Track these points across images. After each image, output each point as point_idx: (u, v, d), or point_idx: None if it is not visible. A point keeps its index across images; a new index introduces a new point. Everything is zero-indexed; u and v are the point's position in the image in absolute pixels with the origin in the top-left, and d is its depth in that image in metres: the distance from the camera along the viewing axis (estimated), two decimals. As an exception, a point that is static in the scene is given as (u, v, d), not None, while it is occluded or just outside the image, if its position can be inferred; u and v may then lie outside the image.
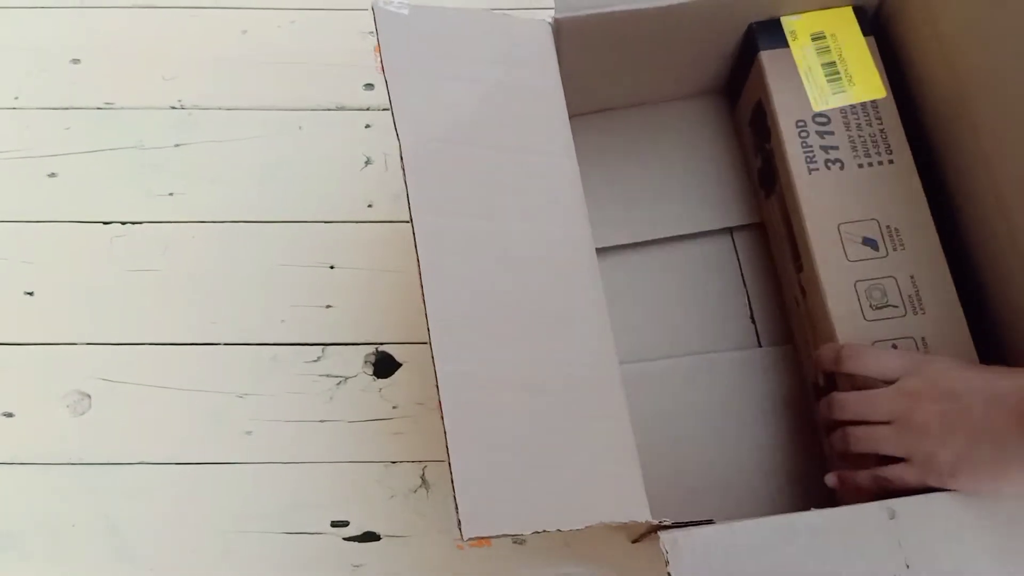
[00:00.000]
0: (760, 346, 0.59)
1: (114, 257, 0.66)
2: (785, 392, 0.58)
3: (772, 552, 0.40)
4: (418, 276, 0.43)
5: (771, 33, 0.56)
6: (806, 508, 0.41)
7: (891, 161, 0.53)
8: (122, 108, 0.71)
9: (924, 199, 0.52)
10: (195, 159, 0.70)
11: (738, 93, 0.62)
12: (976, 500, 0.41)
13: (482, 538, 0.42)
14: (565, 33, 0.54)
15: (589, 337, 0.46)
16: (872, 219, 0.51)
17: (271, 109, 0.71)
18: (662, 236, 0.62)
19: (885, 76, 0.55)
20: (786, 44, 0.56)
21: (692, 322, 0.60)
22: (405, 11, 0.49)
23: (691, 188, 0.63)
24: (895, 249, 0.51)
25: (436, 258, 0.44)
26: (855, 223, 0.51)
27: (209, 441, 0.61)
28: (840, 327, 0.49)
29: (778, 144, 0.55)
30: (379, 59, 0.47)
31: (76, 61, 0.72)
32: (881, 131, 0.53)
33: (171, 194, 0.69)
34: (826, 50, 0.55)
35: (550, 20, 0.53)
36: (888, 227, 0.51)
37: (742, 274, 0.61)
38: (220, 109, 0.71)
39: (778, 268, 0.60)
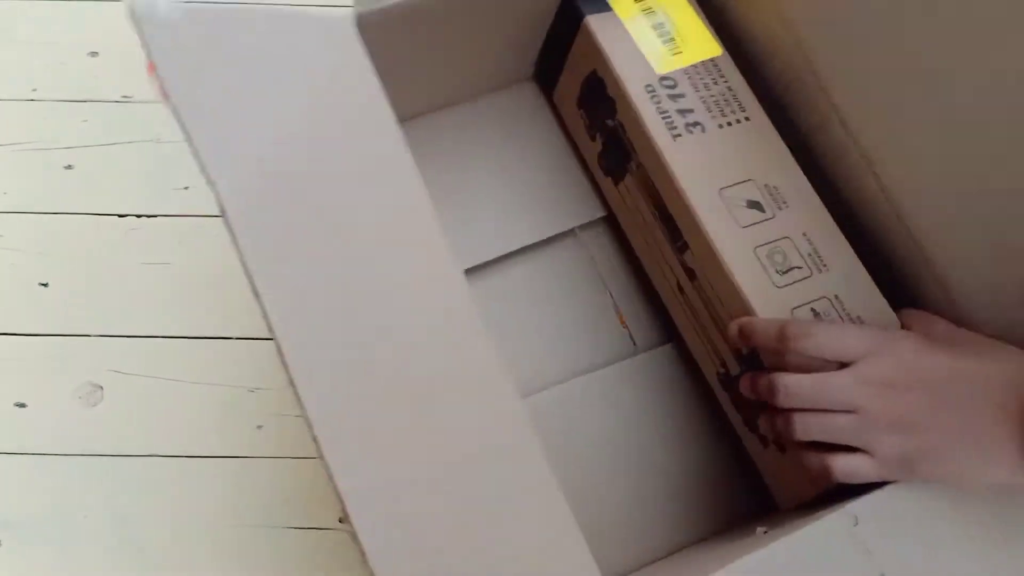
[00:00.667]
0: (636, 351, 0.54)
1: (129, 250, 0.67)
2: (678, 393, 0.53)
3: None
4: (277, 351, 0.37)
5: None
6: (745, 512, 0.37)
7: (747, 119, 0.49)
8: (139, 102, 0.72)
9: (789, 153, 0.49)
10: (211, 153, 0.70)
11: (555, 77, 0.56)
12: (940, 491, 0.38)
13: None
14: (370, 31, 0.47)
15: (490, 399, 0.39)
16: (749, 180, 0.47)
17: (287, 105, 0.71)
18: (503, 253, 0.55)
19: (715, 35, 0.51)
20: (609, 8, 0.51)
21: (561, 340, 0.55)
22: (177, 15, 0.40)
23: (525, 192, 0.57)
24: (780, 208, 0.47)
25: (297, 333, 0.37)
26: (734, 186, 0.47)
27: (219, 435, 0.61)
28: (755, 300, 0.45)
29: (629, 114, 0.50)
30: (157, 81, 0.38)
31: (94, 54, 0.73)
32: (729, 88, 0.50)
33: (187, 188, 0.69)
34: (651, 12, 0.51)
35: (351, 17, 0.46)
36: (766, 186, 0.47)
37: (600, 276, 0.56)
38: (236, 104, 0.71)
39: (645, 259, 0.55)
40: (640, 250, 0.55)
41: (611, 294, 0.56)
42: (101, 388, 0.63)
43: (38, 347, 0.64)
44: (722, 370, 0.49)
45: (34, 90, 0.71)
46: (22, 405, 0.63)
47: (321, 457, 0.35)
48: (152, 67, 0.38)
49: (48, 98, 0.71)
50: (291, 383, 0.36)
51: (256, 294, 0.37)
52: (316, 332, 0.37)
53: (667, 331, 0.55)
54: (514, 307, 0.55)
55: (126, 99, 0.72)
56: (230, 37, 0.41)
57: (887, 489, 0.38)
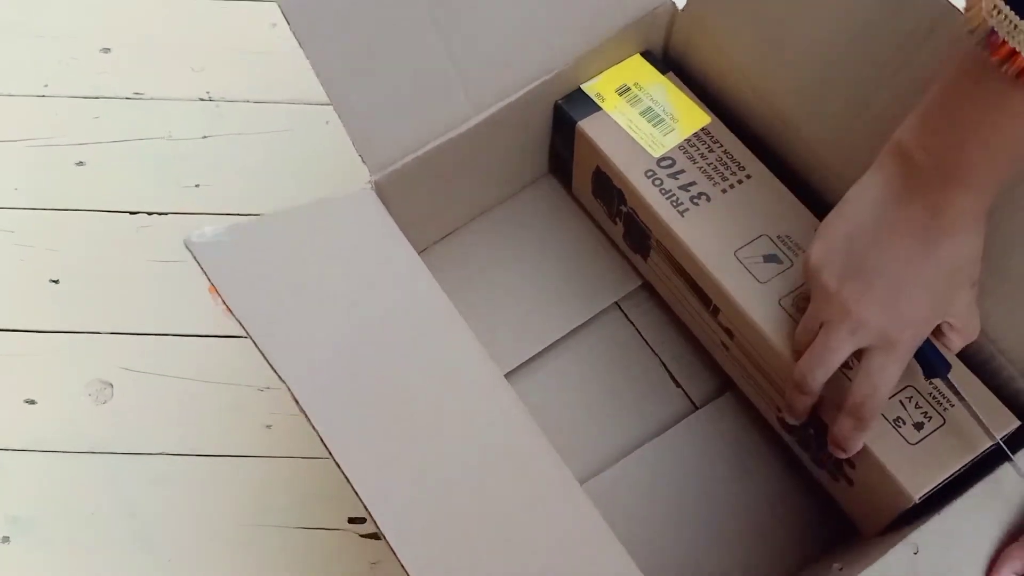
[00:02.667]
0: (696, 408, 0.56)
1: (140, 247, 0.67)
2: (743, 440, 0.55)
3: None
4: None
5: (579, 103, 0.55)
6: (826, 542, 0.39)
7: (748, 176, 0.52)
8: (151, 99, 0.72)
9: (794, 199, 0.51)
10: (222, 151, 0.69)
11: (568, 172, 0.60)
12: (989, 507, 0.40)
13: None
14: (387, 189, 0.51)
15: (532, 464, 0.42)
16: (762, 236, 0.50)
17: (298, 103, 0.71)
18: (555, 339, 0.58)
19: (702, 104, 0.55)
20: (598, 108, 0.55)
21: (623, 411, 0.56)
22: (224, 239, 0.44)
23: (561, 280, 0.60)
24: (796, 254, 0.49)
25: (382, 494, 0.40)
26: (748, 245, 0.50)
27: (229, 433, 0.61)
28: (789, 352, 0.47)
29: (637, 201, 0.53)
30: (220, 301, 0.42)
31: (106, 50, 0.72)
32: (725, 152, 0.53)
33: (198, 185, 0.69)
34: (637, 99, 0.55)
35: (369, 184, 0.50)
36: (778, 237, 0.50)
37: (646, 342, 0.58)
38: (248, 102, 0.71)
39: (687, 322, 0.56)
40: (681, 315, 0.57)
41: (660, 359, 0.58)
42: (111, 386, 0.63)
43: (48, 344, 0.64)
44: (779, 415, 0.51)
45: (45, 86, 0.71)
46: (32, 402, 0.63)
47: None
48: (213, 288, 0.42)
49: (59, 94, 0.71)
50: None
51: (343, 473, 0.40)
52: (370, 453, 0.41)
53: (722, 384, 0.57)
54: (570, 390, 0.57)
55: (137, 95, 0.71)
56: (271, 242, 0.46)
57: (942, 514, 0.41)
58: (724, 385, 0.56)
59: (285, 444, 0.61)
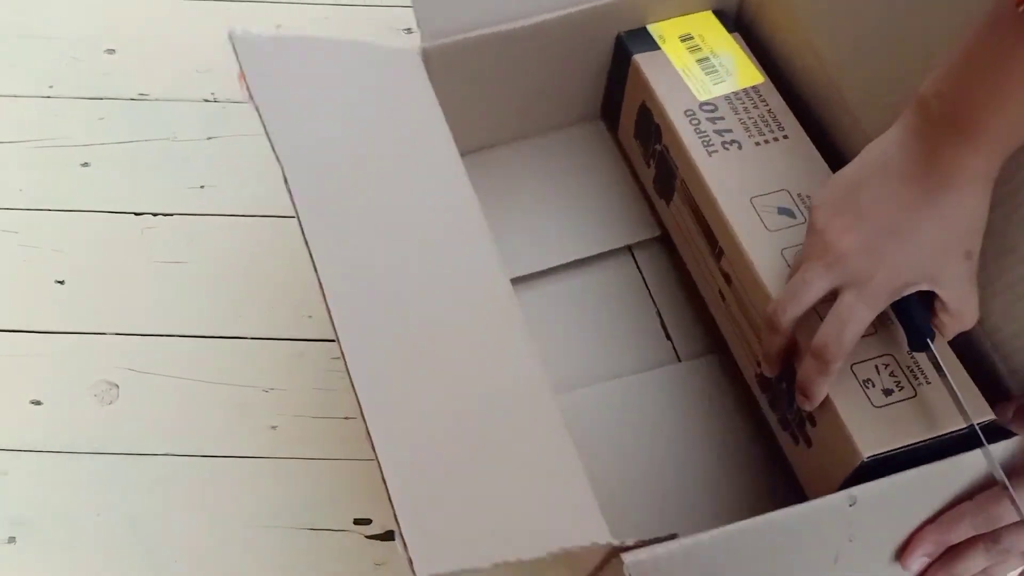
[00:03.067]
0: (679, 361, 0.58)
1: (144, 248, 0.67)
2: (717, 400, 0.56)
3: (740, 557, 0.40)
4: (331, 325, 0.41)
5: (640, 40, 0.57)
6: (778, 506, 0.40)
7: (785, 136, 0.53)
8: (156, 100, 0.72)
9: (826, 167, 0.52)
10: (227, 152, 0.70)
11: (617, 115, 0.61)
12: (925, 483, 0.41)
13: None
14: (435, 63, 0.52)
15: (517, 365, 0.43)
16: (782, 190, 0.51)
17: (303, 104, 0.71)
18: (561, 263, 0.60)
19: (759, 65, 0.56)
20: (657, 47, 0.57)
21: (608, 345, 0.58)
22: (267, 40, 0.46)
23: (585, 212, 0.62)
24: None
25: (348, 310, 0.41)
26: (766, 195, 0.51)
27: (234, 435, 0.61)
28: (777, 293, 0.48)
29: (672, 136, 0.54)
30: (244, 87, 0.44)
31: (111, 51, 0.73)
32: (769, 111, 0.54)
33: (202, 187, 0.69)
34: (697, 48, 0.57)
35: (418, 49, 0.51)
36: (799, 195, 0.51)
37: (649, 291, 0.60)
38: (252, 102, 0.71)
39: (693, 272, 0.58)
40: (689, 264, 0.58)
41: (658, 309, 0.59)
42: (116, 386, 0.63)
43: (54, 345, 0.64)
44: (758, 369, 0.51)
45: (51, 87, 0.71)
46: (38, 403, 0.63)
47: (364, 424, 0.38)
48: (242, 75, 0.44)
49: (65, 95, 0.71)
50: (340, 352, 0.40)
51: (320, 286, 0.41)
52: (365, 311, 0.42)
53: (711, 346, 0.58)
54: (566, 310, 0.59)
55: (143, 96, 0.71)
56: (310, 60, 0.47)
57: (891, 479, 0.41)
58: (713, 347, 0.57)
59: (290, 445, 0.61)
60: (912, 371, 0.44)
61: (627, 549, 0.39)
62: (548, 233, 0.61)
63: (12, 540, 0.59)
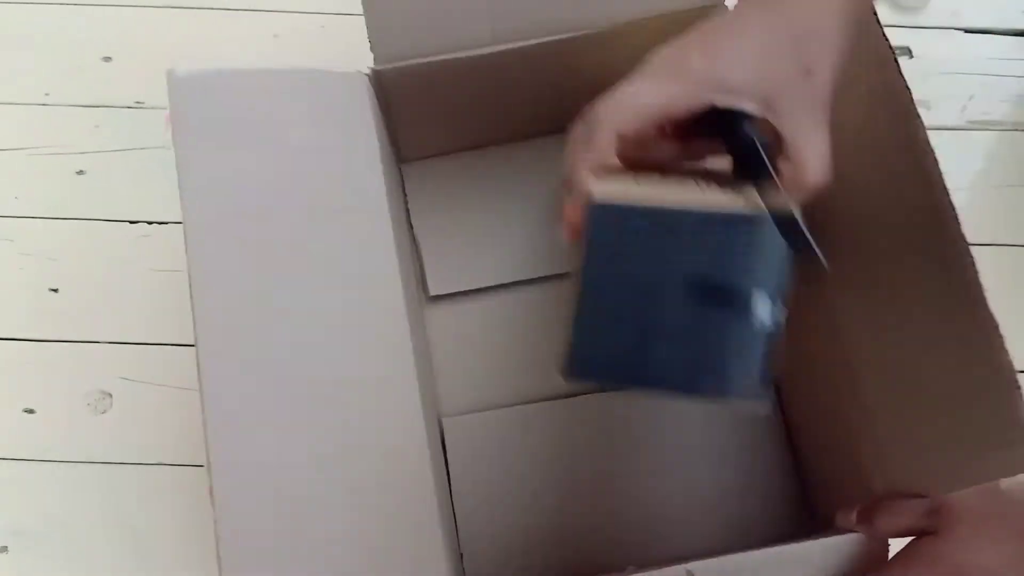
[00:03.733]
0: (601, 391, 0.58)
1: (140, 256, 0.66)
2: (618, 436, 0.58)
3: None
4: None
5: None
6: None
7: None
8: (152, 107, 0.71)
9: None
10: (223, 161, 0.69)
11: None
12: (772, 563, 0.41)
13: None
14: (389, 83, 0.52)
15: (395, 402, 0.44)
16: None
17: (300, 113, 0.71)
18: (497, 283, 0.60)
19: None
20: None
21: (527, 369, 0.59)
22: (207, 76, 0.46)
23: (528, 232, 0.62)
24: None
25: (217, 358, 0.42)
26: None
27: (228, 444, 0.61)
28: None
29: None
30: (169, 130, 0.44)
31: (107, 59, 0.72)
32: None
33: (198, 195, 0.68)
34: None
35: (367, 71, 0.51)
36: None
37: None
38: (249, 111, 0.71)
39: None
40: None
41: None
42: (110, 395, 0.63)
43: (48, 353, 0.64)
44: None
45: (47, 94, 0.71)
46: (31, 411, 0.62)
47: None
48: (168, 116, 0.44)
49: (61, 102, 0.71)
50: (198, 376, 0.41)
51: (192, 299, 0.43)
52: (235, 339, 0.42)
53: None
54: (493, 330, 0.60)
55: (139, 105, 0.71)
56: (244, 94, 0.46)
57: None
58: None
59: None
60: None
61: None
62: (485, 250, 0.61)
63: (5, 549, 0.59)
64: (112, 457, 0.61)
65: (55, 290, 0.66)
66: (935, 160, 0.39)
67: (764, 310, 0.35)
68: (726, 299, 0.35)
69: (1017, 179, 0.68)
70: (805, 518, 0.55)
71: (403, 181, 0.63)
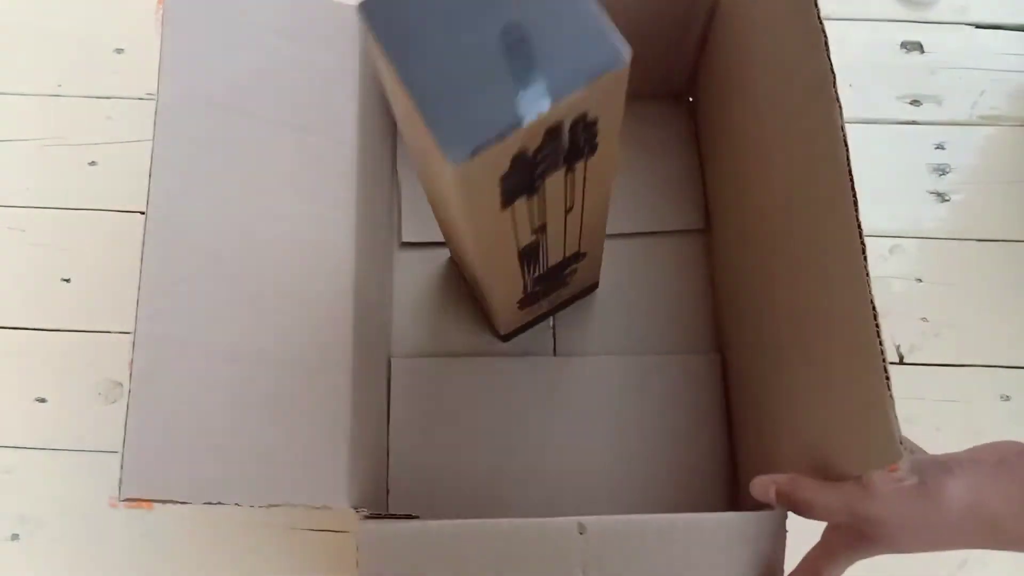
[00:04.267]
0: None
1: (150, 247, 0.67)
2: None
3: (458, 552, 0.40)
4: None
5: None
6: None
7: None
8: (163, 99, 0.72)
9: None
10: (233, 152, 0.70)
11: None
12: (664, 530, 0.40)
13: (141, 500, 0.41)
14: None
15: (326, 322, 0.45)
16: None
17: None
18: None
19: None
20: None
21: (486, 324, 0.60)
22: None
23: (652, 188, 0.64)
24: None
25: (164, 228, 0.43)
26: None
27: (238, 434, 0.61)
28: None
29: None
30: (159, 12, 0.45)
31: (120, 51, 0.73)
32: None
33: (209, 186, 0.69)
34: None
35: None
36: None
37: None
38: (260, 103, 0.71)
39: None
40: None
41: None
42: (121, 385, 0.63)
43: (59, 342, 0.64)
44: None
45: (59, 86, 0.72)
46: (43, 400, 0.63)
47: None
48: (160, 2, 0.45)
49: (73, 94, 0.72)
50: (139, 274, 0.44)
51: (149, 182, 0.44)
52: (182, 231, 0.44)
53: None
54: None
55: (151, 96, 0.72)
56: (237, 7, 0.47)
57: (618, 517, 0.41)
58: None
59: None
60: None
61: (365, 518, 0.40)
62: None
63: (16, 537, 0.59)
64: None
65: (67, 280, 0.66)
66: (845, 148, 0.39)
67: None
68: None
69: (1027, 175, 0.68)
70: (734, 501, 0.56)
71: (394, 135, 0.64)
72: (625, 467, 0.57)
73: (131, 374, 0.40)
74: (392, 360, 0.59)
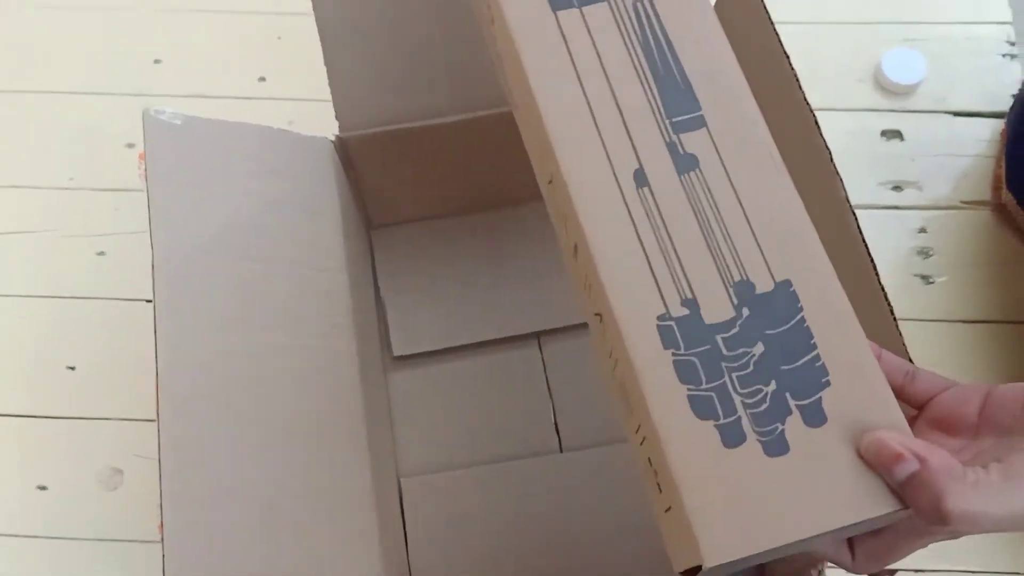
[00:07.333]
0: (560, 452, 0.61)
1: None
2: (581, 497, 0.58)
3: None
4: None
5: None
6: None
7: None
8: (170, 191, 0.74)
9: None
10: (237, 242, 0.72)
11: None
12: None
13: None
14: (353, 150, 0.55)
15: (345, 455, 0.46)
16: None
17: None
18: (462, 343, 0.63)
19: None
20: None
21: (491, 429, 0.61)
22: (177, 121, 0.48)
23: (498, 294, 0.64)
24: None
25: (178, 375, 0.44)
26: None
27: (236, 521, 0.62)
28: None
29: None
30: (142, 167, 0.47)
31: (131, 146, 0.76)
32: None
33: (212, 275, 0.71)
34: None
35: (332, 137, 0.54)
36: None
37: (547, 381, 0.63)
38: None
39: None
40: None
41: (551, 398, 0.62)
42: (121, 472, 0.64)
43: (62, 430, 0.65)
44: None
45: (71, 179, 0.74)
46: (44, 488, 0.64)
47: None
48: (143, 155, 0.47)
49: (83, 187, 0.74)
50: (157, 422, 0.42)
51: (155, 332, 0.45)
52: (196, 378, 0.44)
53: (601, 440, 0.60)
54: (456, 391, 0.63)
55: (158, 188, 0.74)
56: (214, 143, 0.49)
57: None
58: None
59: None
60: None
61: None
62: (452, 311, 0.64)
63: (13, 627, 0.59)
64: (122, 535, 0.62)
65: (72, 368, 0.67)
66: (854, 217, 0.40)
67: None
68: None
69: (1006, 258, 0.70)
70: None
71: (372, 246, 0.65)
72: (644, 564, 0.56)
73: (163, 546, 0.41)
74: (402, 480, 0.59)
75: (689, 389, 0.33)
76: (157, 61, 0.79)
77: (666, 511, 0.34)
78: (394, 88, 0.55)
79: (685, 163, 0.36)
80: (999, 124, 0.74)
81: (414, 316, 0.64)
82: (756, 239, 0.35)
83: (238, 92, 0.78)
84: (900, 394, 0.37)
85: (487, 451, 0.60)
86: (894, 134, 0.74)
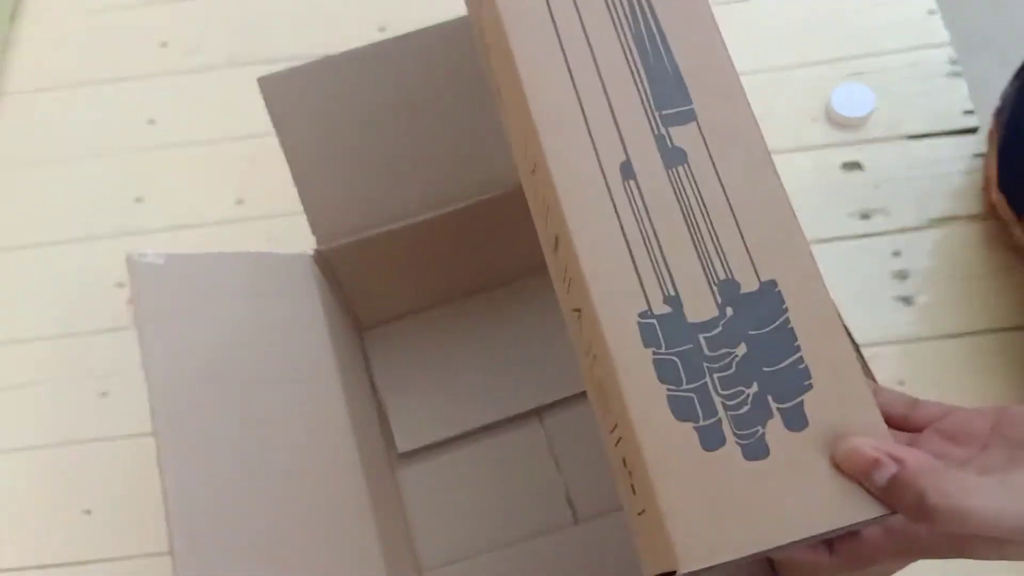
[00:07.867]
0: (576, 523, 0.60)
1: (165, 467, 0.69)
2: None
3: None
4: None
5: None
6: None
7: None
8: (165, 323, 0.76)
9: None
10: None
11: None
12: None
13: None
14: (333, 260, 0.57)
15: (355, 552, 0.46)
16: None
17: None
18: (464, 430, 0.63)
19: None
20: None
21: (505, 514, 0.61)
22: (160, 261, 0.50)
23: (495, 375, 0.65)
24: None
25: (190, 511, 0.45)
26: None
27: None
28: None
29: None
30: (132, 312, 0.49)
31: (120, 285, 0.78)
32: None
33: (215, 399, 0.72)
34: None
35: (311, 251, 0.56)
36: None
37: (553, 454, 0.63)
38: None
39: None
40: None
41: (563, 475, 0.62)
42: (147, 610, 0.64)
43: (81, 574, 0.66)
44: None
45: (66, 326, 0.76)
46: (72, 636, 0.64)
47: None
48: (131, 300, 0.49)
49: (79, 331, 0.76)
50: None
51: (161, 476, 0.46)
52: (206, 514, 0.45)
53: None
54: (465, 479, 0.63)
55: (153, 322, 0.76)
56: (197, 276, 0.51)
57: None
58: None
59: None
60: None
61: None
62: (451, 399, 0.65)
63: None
64: (154, 672, 0.62)
65: (88, 512, 0.68)
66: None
67: None
68: None
69: (981, 269, 0.71)
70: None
71: (364, 348, 0.67)
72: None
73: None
74: (424, 574, 0.60)
75: (669, 389, 0.32)
76: (139, 199, 0.81)
77: (639, 514, 0.33)
78: (366, 197, 0.57)
79: (673, 157, 0.36)
80: (957, 140, 0.76)
81: (414, 411, 0.64)
82: (742, 237, 0.35)
83: (218, 217, 0.80)
84: (903, 424, 0.37)
85: (503, 534, 0.60)
86: (854, 165, 0.76)
